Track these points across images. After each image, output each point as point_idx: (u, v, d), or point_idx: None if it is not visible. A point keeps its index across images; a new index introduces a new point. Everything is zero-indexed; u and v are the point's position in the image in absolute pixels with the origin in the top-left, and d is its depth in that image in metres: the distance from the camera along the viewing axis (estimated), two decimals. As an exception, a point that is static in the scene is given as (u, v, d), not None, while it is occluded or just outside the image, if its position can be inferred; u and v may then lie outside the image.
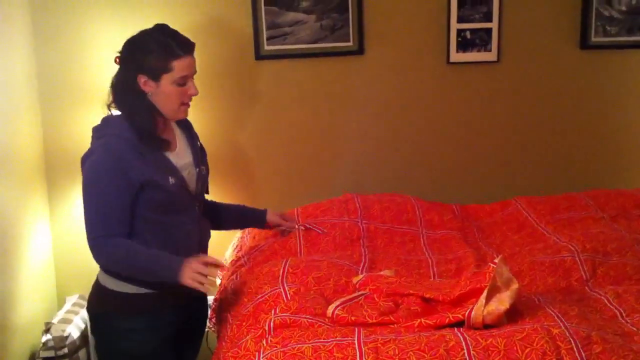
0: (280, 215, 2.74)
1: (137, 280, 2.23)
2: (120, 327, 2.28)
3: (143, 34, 2.25)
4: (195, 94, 2.29)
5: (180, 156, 2.35)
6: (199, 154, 2.44)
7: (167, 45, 2.21)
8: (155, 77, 2.22)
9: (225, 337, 2.17)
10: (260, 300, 2.19)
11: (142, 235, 2.23)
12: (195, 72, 2.29)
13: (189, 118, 2.44)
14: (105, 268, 2.28)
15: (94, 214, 2.19)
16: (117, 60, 2.28)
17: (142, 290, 2.25)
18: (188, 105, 2.33)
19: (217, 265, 2.24)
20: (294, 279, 2.25)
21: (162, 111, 2.27)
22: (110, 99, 2.30)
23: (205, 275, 2.15)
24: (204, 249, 2.44)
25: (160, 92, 2.24)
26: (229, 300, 2.39)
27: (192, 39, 2.27)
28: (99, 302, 2.33)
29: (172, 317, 2.32)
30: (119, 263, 2.22)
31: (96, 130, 2.31)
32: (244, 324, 2.14)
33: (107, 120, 2.32)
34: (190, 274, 2.15)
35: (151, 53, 2.20)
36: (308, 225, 2.70)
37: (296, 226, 2.70)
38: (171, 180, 2.25)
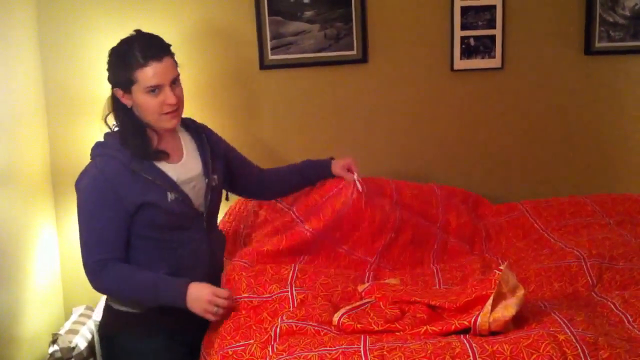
0: (343, 166, 2.61)
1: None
2: (133, 349, 2.22)
3: (118, 44, 2.18)
4: (172, 103, 2.15)
5: (185, 167, 2.26)
6: (210, 164, 2.33)
7: (127, 55, 2.11)
8: (127, 89, 2.15)
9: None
10: (268, 299, 2.19)
11: (145, 255, 2.18)
12: (173, 78, 2.16)
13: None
14: (104, 294, 2.23)
15: (87, 239, 2.14)
16: None
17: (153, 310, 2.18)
18: (173, 114, 2.19)
19: (226, 298, 2.14)
20: (302, 284, 2.24)
21: (146, 122, 2.20)
22: (105, 114, 2.27)
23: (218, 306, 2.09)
24: (215, 266, 2.35)
25: (137, 103, 2.16)
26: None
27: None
28: (110, 323, 2.28)
29: (188, 337, 2.24)
30: (117, 289, 2.16)
31: (93, 149, 2.25)
32: (243, 312, 2.14)
33: (105, 137, 2.26)
34: (202, 305, 2.08)
35: (117, 65, 2.14)
36: (359, 184, 2.56)
37: (354, 178, 2.56)
38: (170, 196, 2.17)
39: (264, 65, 3.15)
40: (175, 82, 2.18)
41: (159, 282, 2.13)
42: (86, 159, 3.05)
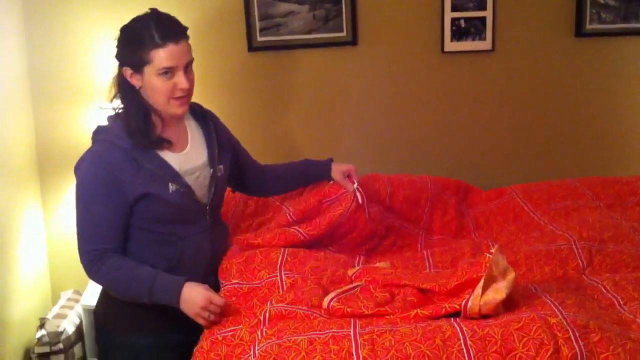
0: (344, 172, 2.51)
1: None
2: (124, 342, 2.17)
3: (131, 21, 2.09)
4: (185, 88, 2.08)
5: (189, 157, 2.18)
6: (217, 153, 2.24)
7: (142, 33, 2.02)
8: (138, 69, 2.06)
9: None
10: (257, 285, 2.17)
11: (143, 248, 2.12)
12: (187, 62, 2.09)
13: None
14: (98, 284, 2.16)
15: (85, 227, 2.08)
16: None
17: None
18: (182, 100, 2.11)
19: (221, 306, 2.04)
20: (291, 267, 2.22)
21: (153, 106, 2.11)
22: (112, 94, 2.17)
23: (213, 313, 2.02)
24: (216, 262, 2.28)
25: (146, 85, 2.07)
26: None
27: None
28: (104, 313, 2.23)
29: (180, 337, 2.11)
30: (111, 281, 2.09)
31: (95, 133, 2.15)
32: (233, 298, 2.12)
33: (108, 121, 2.17)
34: (195, 309, 2.00)
35: (130, 43, 2.05)
36: (359, 196, 2.52)
37: (355, 188, 2.51)
38: (171, 187, 2.10)
39: (252, 47, 3.12)
40: (188, 66, 2.11)
41: (155, 279, 2.04)
42: (71, 144, 3.04)
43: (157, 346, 2.17)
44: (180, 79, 2.07)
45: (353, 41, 3.14)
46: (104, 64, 3.00)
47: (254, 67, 3.16)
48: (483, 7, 3.12)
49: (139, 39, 2.03)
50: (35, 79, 3.04)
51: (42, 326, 2.78)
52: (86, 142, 2.73)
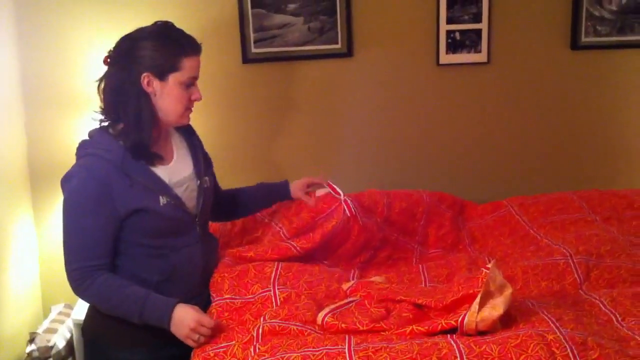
0: (304, 187, 2.52)
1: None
2: (115, 357, 2.12)
3: (146, 30, 2.07)
4: (199, 99, 2.13)
5: (176, 169, 2.17)
6: (202, 164, 2.26)
7: (174, 40, 2.05)
8: (162, 75, 2.05)
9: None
10: (250, 299, 2.14)
11: (134, 262, 2.08)
12: (198, 76, 2.14)
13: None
14: (86, 301, 2.12)
15: (73, 244, 2.03)
16: (108, 60, 2.09)
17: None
18: (190, 111, 2.17)
19: (211, 328, 2.01)
20: (285, 282, 2.20)
21: (164, 116, 2.10)
22: (101, 105, 2.11)
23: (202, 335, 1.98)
24: (208, 274, 2.26)
25: (166, 93, 2.07)
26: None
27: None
28: (94, 328, 2.18)
29: (173, 349, 2.06)
30: (100, 300, 2.05)
31: (80, 147, 2.12)
32: (225, 314, 2.10)
33: (91, 135, 2.13)
34: (185, 331, 1.96)
35: (160, 48, 2.04)
36: (348, 207, 2.51)
37: (342, 199, 2.50)
38: (162, 200, 2.07)
39: (247, 58, 3.10)
40: None
41: (146, 300, 2.01)
42: (64, 154, 3.00)
43: None
44: (196, 91, 2.13)
45: (348, 53, 3.13)
46: (97, 75, 2.98)
47: (249, 78, 3.14)
48: (478, 20, 3.12)
49: (172, 44, 2.05)
50: (28, 89, 3.01)
51: (32, 340, 2.75)
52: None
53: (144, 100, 2.07)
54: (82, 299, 2.09)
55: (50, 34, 2.99)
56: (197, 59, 2.10)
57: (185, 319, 1.98)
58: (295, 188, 2.53)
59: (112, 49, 2.11)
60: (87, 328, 2.23)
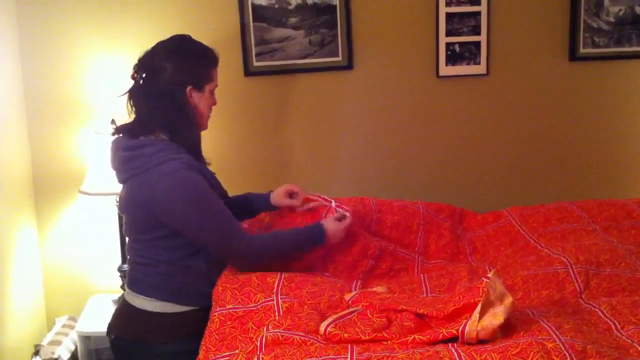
0: (285, 194, 2.54)
1: (176, 297, 2.17)
2: (160, 352, 2.16)
3: (185, 40, 2.22)
4: (216, 104, 2.31)
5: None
6: None
7: (205, 53, 2.21)
8: (200, 86, 2.20)
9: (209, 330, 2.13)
10: (253, 308, 2.16)
11: (180, 256, 2.19)
12: None
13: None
14: (253, 267, 2.25)
15: (223, 222, 2.17)
16: (136, 75, 2.16)
17: (184, 309, 2.18)
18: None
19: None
20: (287, 292, 2.21)
21: (199, 122, 2.25)
22: (135, 116, 2.19)
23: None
24: None
25: (203, 102, 2.23)
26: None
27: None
28: (133, 327, 2.20)
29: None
30: (272, 253, 2.26)
31: (154, 154, 2.12)
32: (228, 322, 2.11)
33: (149, 148, 2.14)
34: (342, 235, 2.34)
35: (201, 58, 2.20)
36: (337, 207, 2.53)
37: (333, 205, 2.53)
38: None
39: (248, 72, 3.13)
40: None
41: (300, 232, 2.33)
42: (68, 167, 3.04)
43: (196, 351, 2.13)
44: (215, 98, 2.31)
45: (349, 66, 3.16)
46: (100, 88, 3.01)
47: (250, 91, 3.17)
48: (477, 32, 3.15)
49: (206, 57, 2.22)
50: (31, 102, 3.04)
51: (36, 353, 2.76)
52: (82, 165, 2.73)
53: (193, 112, 2.21)
54: (257, 262, 2.26)
55: (53, 46, 3.03)
56: (217, 68, 2.28)
57: (336, 228, 2.35)
58: (276, 195, 2.56)
59: (138, 64, 2.18)
60: (120, 330, 2.24)
